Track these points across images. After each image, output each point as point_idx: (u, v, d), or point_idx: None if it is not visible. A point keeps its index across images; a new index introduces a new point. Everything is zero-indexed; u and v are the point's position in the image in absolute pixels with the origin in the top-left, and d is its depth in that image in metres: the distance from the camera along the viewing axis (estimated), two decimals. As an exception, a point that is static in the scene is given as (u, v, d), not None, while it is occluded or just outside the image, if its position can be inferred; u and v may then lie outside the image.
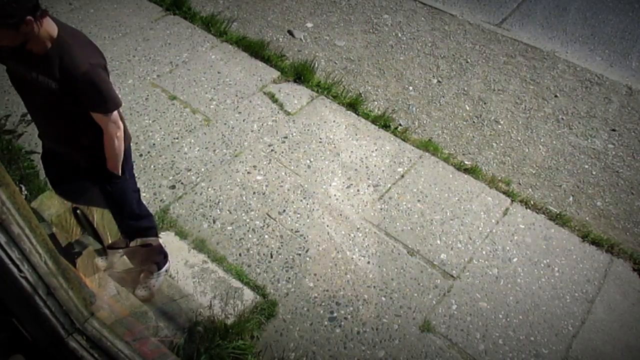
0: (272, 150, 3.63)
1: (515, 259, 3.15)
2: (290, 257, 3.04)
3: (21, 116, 3.12)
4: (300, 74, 4.19)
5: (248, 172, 3.47)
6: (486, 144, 3.93)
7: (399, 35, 4.88)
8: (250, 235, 3.12)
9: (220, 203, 3.27)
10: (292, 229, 3.17)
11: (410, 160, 3.67)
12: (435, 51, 4.72)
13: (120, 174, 2.24)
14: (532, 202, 3.48)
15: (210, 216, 3.20)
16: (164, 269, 2.75)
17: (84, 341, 1.07)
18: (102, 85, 2.00)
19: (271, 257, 3.03)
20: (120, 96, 2.23)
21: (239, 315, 2.70)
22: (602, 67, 4.69)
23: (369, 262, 3.05)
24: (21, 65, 1.97)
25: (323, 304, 2.85)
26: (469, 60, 4.65)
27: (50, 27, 1.89)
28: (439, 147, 3.79)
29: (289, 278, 2.94)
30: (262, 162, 3.54)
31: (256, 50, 4.39)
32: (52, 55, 1.90)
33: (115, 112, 2.09)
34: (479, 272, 3.07)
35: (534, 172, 3.75)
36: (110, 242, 2.29)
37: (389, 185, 3.48)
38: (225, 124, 3.79)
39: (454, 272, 3.05)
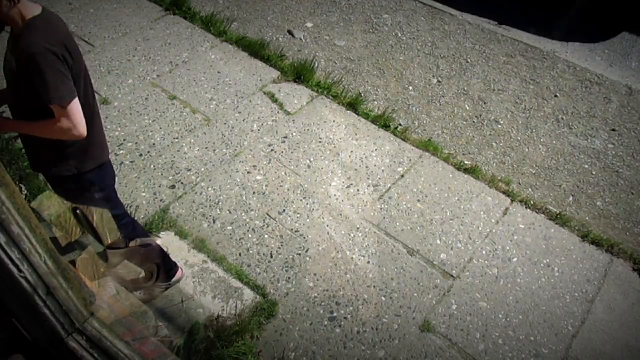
0: (272, 150, 3.63)
1: (515, 259, 3.15)
2: (290, 257, 3.04)
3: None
4: (300, 74, 4.19)
5: (248, 172, 3.47)
6: (486, 144, 3.93)
7: (399, 35, 4.88)
8: (250, 235, 3.12)
9: (220, 203, 3.27)
10: (292, 229, 3.17)
11: (410, 160, 3.67)
12: (435, 51, 4.72)
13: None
14: (532, 202, 3.48)
15: (210, 216, 3.20)
16: (173, 280, 2.75)
17: (84, 341, 1.07)
18: (48, 71, 1.85)
19: (271, 257, 3.03)
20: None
21: (239, 315, 2.70)
22: (602, 67, 4.69)
23: (369, 262, 3.05)
24: (7, 47, 1.99)
25: (323, 304, 2.85)
26: (469, 60, 4.65)
27: (25, 8, 1.87)
28: (439, 147, 3.79)
29: (289, 278, 2.94)
30: (262, 162, 3.54)
31: (256, 50, 4.39)
32: (19, 34, 1.89)
33: (74, 110, 1.93)
34: (479, 272, 3.07)
35: (534, 172, 3.75)
36: (110, 242, 2.28)
37: (389, 185, 3.48)
38: (225, 124, 3.79)
39: (454, 272, 3.05)
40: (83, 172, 2.19)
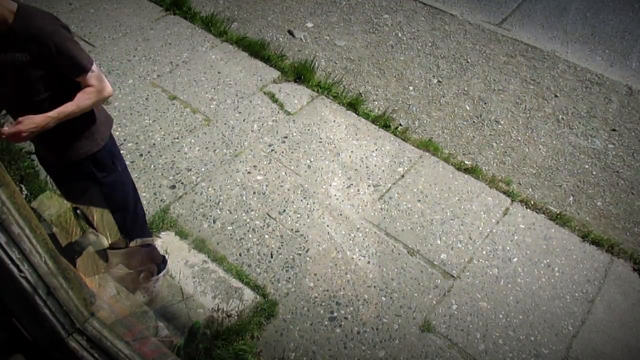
0: (272, 150, 3.63)
1: (515, 259, 3.15)
2: (291, 257, 3.04)
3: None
4: (301, 74, 4.19)
5: (248, 172, 3.47)
6: (486, 143, 3.93)
7: (399, 35, 4.88)
8: (250, 235, 3.12)
9: (221, 203, 3.27)
10: (292, 229, 3.17)
11: (411, 160, 3.67)
12: (435, 51, 4.72)
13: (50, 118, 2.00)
14: (532, 202, 3.48)
15: (211, 216, 3.20)
16: (162, 272, 2.75)
17: (84, 341, 1.07)
18: (69, 45, 1.96)
19: (271, 257, 3.03)
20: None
21: (239, 315, 2.70)
22: (602, 67, 4.69)
23: (369, 262, 3.05)
24: None
25: (323, 303, 2.85)
26: (469, 60, 4.65)
27: (7, 2, 1.88)
28: (439, 147, 3.79)
29: (289, 278, 2.94)
30: (262, 162, 3.54)
31: (256, 50, 4.39)
32: (16, 27, 1.88)
33: (98, 70, 2.04)
34: (479, 272, 3.07)
35: (534, 172, 3.75)
36: (110, 242, 2.28)
37: (389, 185, 3.48)
38: (225, 123, 3.79)
39: (454, 272, 3.05)
40: (105, 141, 2.25)
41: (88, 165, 2.25)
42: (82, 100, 2.02)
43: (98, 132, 2.22)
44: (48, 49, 1.91)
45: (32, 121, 1.94)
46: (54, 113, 1.98)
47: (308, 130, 3.80)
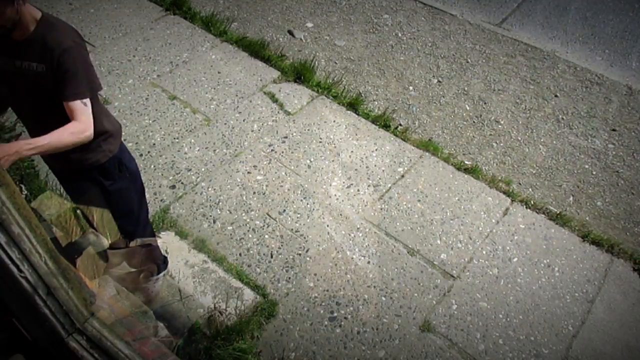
0: (272, 150, 3.63)
1: (515, 259, 3.15)
2: (291, 257, 3.04)
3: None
4: (301, 74, 4.19)
5: (248, 172, 3.47)
6: (486, 143, 3.93)
7: (399, 35, 4.88)
8: (250, 235, 3.12)
9: (221, 203, 3.27)
10: (292, 229, 3.17)
11: (411, 160, 3.67)
12: (435, 51, 4.72)
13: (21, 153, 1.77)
14: (532, 202, 3.48)
15: (211, 216, 3.20)
16: (163, 272, 2.75)
17: (84, 341, 1.07)
18: (82, 65, 1.88)
19: (271, 257, 3.03)
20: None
21: (239, 315, 2.70)
22: (602, 67, 4.69)
23: (369, 262, 3.05)
24: (2, 57, 1.90)
25: (323, 303, 2.85)
26: (469, 60, 4.65)
27: (32, 10, 1.86)
28: (439, 147, 3.79)
29: (289, 278, 2.94)
30: (262, 162, 3.54)
31: (256, 50, 4.39)
32: (36, 36, 1.85)
33: (89, 106, 1.90)
34: (479, 272, 3.07)
35: (534, 172, 3.75)
36: (110, 242, 2.28)
37: (389, 185, 3.48)
38: (225, 123, 3.79)
39: (454, 272, 3.05)
40: (113, 152, 2.24)
41: (94, 174, 2.24)
42: (57, 137, 1.81)
43: (107, 144, 2.21)
44: (58, 63, 1.84)
45: (1, 149, 1.71)
46: (26, 145, 1.76)
47: (308, 130, 3.80)
